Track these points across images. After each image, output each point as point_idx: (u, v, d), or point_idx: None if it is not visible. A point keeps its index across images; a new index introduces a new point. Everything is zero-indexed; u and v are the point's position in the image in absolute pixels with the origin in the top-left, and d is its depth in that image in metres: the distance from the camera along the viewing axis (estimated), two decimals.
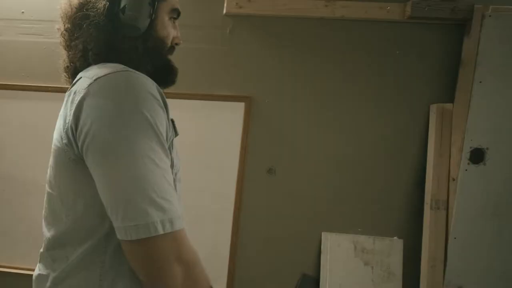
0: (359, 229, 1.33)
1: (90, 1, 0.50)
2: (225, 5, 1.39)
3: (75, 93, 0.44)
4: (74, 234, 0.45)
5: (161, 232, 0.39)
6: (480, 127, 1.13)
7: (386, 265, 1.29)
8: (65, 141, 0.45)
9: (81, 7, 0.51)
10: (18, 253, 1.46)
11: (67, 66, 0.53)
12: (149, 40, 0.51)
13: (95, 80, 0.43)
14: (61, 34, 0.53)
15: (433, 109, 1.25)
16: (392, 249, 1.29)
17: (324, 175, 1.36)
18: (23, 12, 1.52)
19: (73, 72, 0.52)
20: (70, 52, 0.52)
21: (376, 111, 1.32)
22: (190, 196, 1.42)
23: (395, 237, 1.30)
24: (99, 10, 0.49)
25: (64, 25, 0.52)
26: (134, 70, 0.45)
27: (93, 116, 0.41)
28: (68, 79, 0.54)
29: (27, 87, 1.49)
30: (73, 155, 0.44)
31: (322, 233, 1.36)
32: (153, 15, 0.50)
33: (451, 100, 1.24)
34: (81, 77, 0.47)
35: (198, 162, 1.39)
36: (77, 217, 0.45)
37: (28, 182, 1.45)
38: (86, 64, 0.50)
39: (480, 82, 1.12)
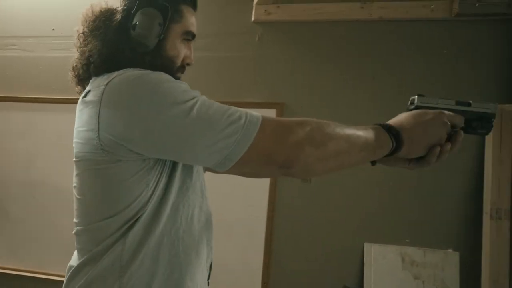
0: (407, 240, 1.20)
1: (108, 11, 0.52)
2: (253, 12, 1.31)
3: (94, 107, 0.47)
4: (98, 231, 0.49)
5: (252, 135, 0.41)
6: None
7: (440, 280, 1.14)
8: (98, 151, 0.47)
9: (99, 15, 0.52)
10: (48, 259, 1.42)
11: (75, 66, 0.55)
12: (158, 58, 0.51)
13: (103, 90, 0.46)
14: (78, 36, 0.54)
15: None
16: (446, 262, 1.15)
17: (365, 182, 1.24)
18: (53, 29, 1.51)
19: (77, 74, 0.54)
20: (78, 55, 0.54)
21: None
22: (220, 206, 1.37)
23: (449, 249, 1.16)
24: (111, 23, 0.51)
25: (83, 29, 0.53)
26: (129, 69, 0.47)
27: (127, 125, 0.44)
28: (73, 77, 0.55)
29: (57, 99, 1.48)
30: (114, 159, 0.46)
31: (365, 244, 1.23)
32: (162, 35, 0.51)
33: (511, 101, 1.10)
34: (90, 90, 0.50)
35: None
36: (99, 218, 0.49)
37: (58, 190, 1.42)
38: (87, 73, 0.52)
39: None
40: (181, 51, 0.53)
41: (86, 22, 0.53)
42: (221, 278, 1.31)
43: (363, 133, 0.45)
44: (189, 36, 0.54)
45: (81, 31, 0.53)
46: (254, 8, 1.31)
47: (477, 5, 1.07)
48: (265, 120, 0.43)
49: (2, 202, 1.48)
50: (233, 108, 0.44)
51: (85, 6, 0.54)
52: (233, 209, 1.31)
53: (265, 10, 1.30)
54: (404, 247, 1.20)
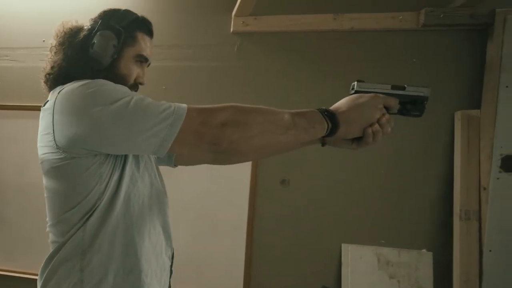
0: (382, 241, 1.14)
1: (75, 28, 0.55)
2: (232, 23, 1.27)
3: (49, 113, 0.50)
4: (62, 224, 0.51)
5: (181, 118, 0.45)
6: (509, 132, 0.95)
7: (414, 279, 1.09)
8: (55, 151, 0.49)
9: (67, 32, 0.55)
10: (42, 260, 1.33)
11: (45, 75, 0.57)
12: (111, 75, 0.54)
13: (56, 98, 0.49)
14: (50, 48, 0.56)
15: (458, 116, 1.08)
16: (420, 262, 1.09)
17: (341, 185, 1.19)
18: (44, 40, 1.45)
19: (45, 83, 0.57)
20: (47, 66, 0.56)
21: (397, 121, 1.13)
22: (202, 207, 1.33)
23: (423, 250, 1.10)
24: (74, 40, 0.54)
25: (54, 42, 0.56)
26: (75, 81, 0.50)
27: (76, 125, 0.46)
28: (45, 86, 0.57)
29: None
30: (68, 157, 0.49)
31: (342, 244, 1.17)
32: (115, 56, 0.54)
33: (476, 106, 1.07)
34: (48, 100, 0.53)
35: (209, 173, 1.27)
36: (63, 212, 0.51)
37: None
38: (48, 84, 0.55)
39: (507, 86, 0.96)
40: (133, 71, 0.56)
41: (57, 36, 0.55)
42: (207, 274, 1.25)
43: (291, 116, 0.46)
44: (141, 59, 0.57)
45: (53, 44, 0.56)
46: (232, 20, 1.27)
47: (441, 16, 1.04)
48: (191, 107, 0.46)
49: None
50: (163, 101, 0.47)
51: (72, 19, 0.56)
52: (216, 210, 1.26)
53: (243, 22, 1.26)
54: (380, 248, 1.14)
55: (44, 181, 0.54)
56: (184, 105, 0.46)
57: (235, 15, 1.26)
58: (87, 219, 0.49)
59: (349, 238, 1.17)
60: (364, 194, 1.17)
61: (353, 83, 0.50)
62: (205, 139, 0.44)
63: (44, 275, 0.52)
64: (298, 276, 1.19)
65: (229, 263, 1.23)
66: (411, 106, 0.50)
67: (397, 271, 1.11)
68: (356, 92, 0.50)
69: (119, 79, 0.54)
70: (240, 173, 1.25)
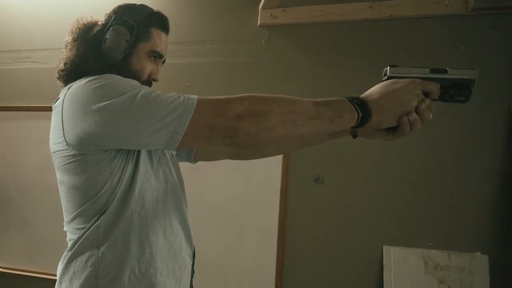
0: (430, 243, 1.02)
1: (89, 24, 0.53)
2: (259, 16, 1.18)
3: (58, 111, 0.48)
4: (76, 221, 0.50)
5: (192, 108, 0.41)
6: None
7: (468, 284, 0.97)
8: (65, 148, 0.48)
9: (82, 27, 0.53)
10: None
11: (58, 71, 0.56)
12: (124, 71, 0.52)
13: (65, 95, 0.47)
14: (65, 45, 0.55)
15: None
16: (474, 266, 0.97)
17: (382, 181, 1.08)
18: (65, 41, 1.38)
19: (57, 77, 0.55)
20: (61, 63, 0.54)
21: (447, 113, 1.02)
22: (229, 209, 1.22)
23: (477, 252, 0.98)
24: (87, 35, 0.52)
25: (69, 39, 0.54)
26: (84, 78, 0.48)
27: (84, 121, 0.44)
28: (61, 83, 0.55)
29: None
30: (78, 153, 0.47)
31: (384, 246, 1.06)
32: (127, 51, 0.52)
33: None
34: (59, 97, 0.51)
35: (236, 173, 1.18)
36: (76, 209, 0.50)
37: None
38: (61, 81, 0.54)
39: None
40: (147, 67, 0.54)
41: (71, 33, 0.54)
42: (236, 280, 1.15)
43: (314, 104, 0.42)
44: (155, 55, 0.55)
45: (68, 41, 0.54)
46: (259, 13, 1.18)
47: None
48: (202, 98, 0.43)
49: (20, 207, 1.38)
50: (172, 92, 0.44)
51: (88, 15, 0.54)
52: (245, 212, 1.17)
53: (271, 14, 1.17)
54: (426, 250, 1.02)
55: (57, 178, 0.53)
56: (195, 96, 0.42)
57: (262, 8, 1.17)
58: (101, 215, 0.48)
59: (391, 239, 1.06)
60: (407, 192, 1.05)
61: (385, 68, 0.44)
62: (219, 132, 0.40)
63: (61, 270, 0.51)
64: (335, 282, 1.09)
65: (258, 270, 1.13)
66: (454, 91, 0.42)
67: (448, 276, 0.99)
68: (389, 78, 0.43)
69: (132, 75, 0.52)
70: (270, 172, 1.15)
